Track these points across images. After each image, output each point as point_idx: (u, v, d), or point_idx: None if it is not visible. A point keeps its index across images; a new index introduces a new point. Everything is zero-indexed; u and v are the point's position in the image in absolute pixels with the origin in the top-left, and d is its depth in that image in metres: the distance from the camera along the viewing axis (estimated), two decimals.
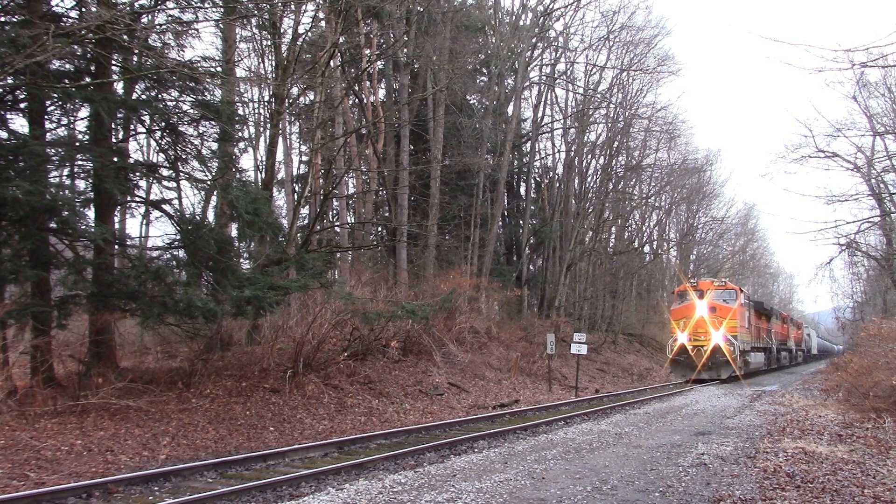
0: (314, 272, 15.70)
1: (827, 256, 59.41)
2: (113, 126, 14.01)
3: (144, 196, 17.93)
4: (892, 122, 26.54)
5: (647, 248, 50.27)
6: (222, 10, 14.39)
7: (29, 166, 11.80)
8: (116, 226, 17.39)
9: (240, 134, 21.66)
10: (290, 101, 21.71)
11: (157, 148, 16.61)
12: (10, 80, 11.92)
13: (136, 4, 13.82)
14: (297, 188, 28.04)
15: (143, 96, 14.35)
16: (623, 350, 38.70)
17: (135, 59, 14.18)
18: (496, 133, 32.66)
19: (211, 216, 21.42)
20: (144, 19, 14.63)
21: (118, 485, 8.06)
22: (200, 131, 14.92)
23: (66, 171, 15.09)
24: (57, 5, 13.75)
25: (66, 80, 12.91)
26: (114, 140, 14.51)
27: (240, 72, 24.64)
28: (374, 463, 9.58)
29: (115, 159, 13.49)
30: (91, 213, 13.78)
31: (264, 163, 22.20)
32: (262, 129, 26.58)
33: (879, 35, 19.64)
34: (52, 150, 12.96)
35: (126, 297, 13.44)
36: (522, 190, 39.17)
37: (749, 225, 66.44)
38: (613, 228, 45.05)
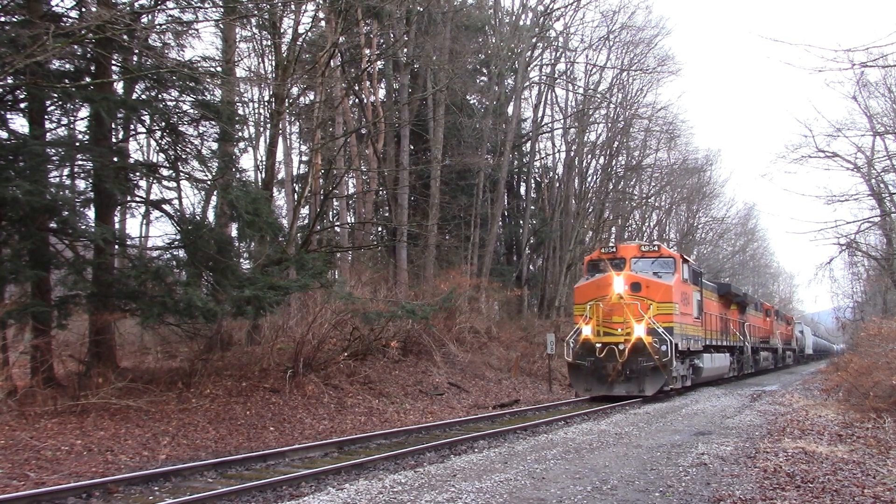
0: (314, 272, 15.71)
1: (827, 256, 59.39)
2: (113, 126, 14.02)
3: (144, 196, 17.95)
4: (892, 122, 26.55)
5: None
6: (222, 10, 14.41)
7: (29, 166, 11.81)
8: (116, 226, 17.39)
9: (240, 134, 21.66)
10: (290, 101, 21.72)
11: (157, 148, 16.63)
12: (10, 80, 11.92)
13: (136, 4, 13.83)
14: (297, 188, 28.05)
15: (143, 96, 14.36)
16: None
17: (135, 59, 14.19)
18: (496, 133, 32.66)
19: (211, 216, 21.45)
20: (144, 19, 14.64)
21: (118, 485, 8.05)
22: (200, 131, 14.94)
23: (66, 171, 15.10)
24: (57, 5, 13.78)
25: (66, 80, 12.92)
26: (114, 140, 14.53)
27: (240, 72, 24.68)
28: (374, 463, 9.58)
29: (115, 159, 13.51)
30: (91, 213, 13.82)
31: (264, 163, 22.23)
32: (262, 129, 26.61)
33: (879, 35, 19.63)
34: (52, 150, 12.97)
35: (126, 297, 13.45)
36: (522, 190, 39.18)
37: (749, 225, 66.53)
38: (613, 228, 45.05)
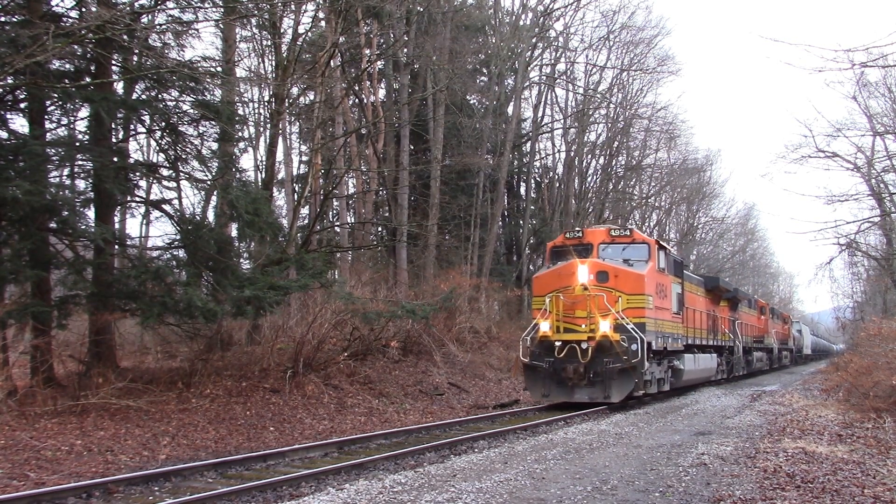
0: (314, 272, 15.71)
1: (827, 256, 59.36)
2: (113, 126, 14.02)
3: (144, 196, 17.96)
4: (892, 122, 26.57)
5: None
6: (222, 10, 14.41)
7: (29, 166, 11.82)
8: (116, 226, 17.40)
9: (240, 134, 21.66)
10: (290, 101, 21.73)
11: (157, 148, 16.64)
12: (10, 80, 11.92)
13: (136, 4, 13.83)
14: (297, 188, 28.04)
15: (143, 96, 14.36)
16: None
17: (135, 59, 14.19)
18: (496, 133, 32.68)
19: (211, 216, 21.45)
20: (144, 19, 14.64)
21: (118, 485, 8.06)
22: (200, 131, 14.95)
23: (66, 171, 15.12)
24: (57, 5, 13.78)
25: (66, 80, 12.92)
26: (114, 140, 14.53)
27: (240, 72, 24.67)
28: (374, 463, 9.58)
29: (115, 159, 13.51)
30: (91, 213, 13.82)
31: (264, 163, 22.23)
32: (262, 129, 26.61)
33: (879, 35, 19.68)
34: (52, 150, 12.98)
35: (126, 297, 13.45)
36: (522, 190, 39.21)
37: (749, 225, 66.59)
38: None
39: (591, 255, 16.35)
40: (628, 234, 17.07)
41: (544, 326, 15.72)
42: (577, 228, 18.22)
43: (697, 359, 19.74)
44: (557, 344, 15.46)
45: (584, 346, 15.23)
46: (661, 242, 17.72)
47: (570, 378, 15.33)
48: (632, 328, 15.13)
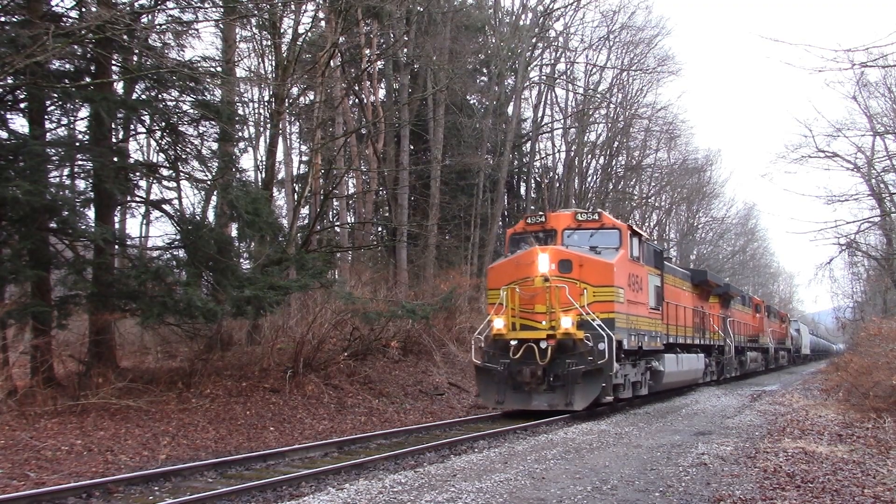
0: (314, 272, 15.71)
1: (827, 256, 59.28)
2: (113, 126, 14.02)
3: (144, 196, 17.95)
4: (892, 122, 26.60)
5: None
6: (222, 10, 14.42)
7: (29, 166, 11.82)
8: (116, 226, 17.39)
9: (240, 134, 21.67)
10: (290, 101, 21.73)
11: (157, 148, 16.65)
12: (10, 80, 11.92)
13: (136, 4, 13.84)
14: (297, 188, 28.03)
15: (143, 96, 14.37)
16: None
17: (135, 59, 14.19)
18: (496, 133, 32.66)
19: (211, 216, 21.43)
20: (144, 19, 14.65)
21: (118, 485, 8.06)
22: (200, 131, 14.95)
23: (66, 171, 15.12)
24: (57, 5, 13.79)
25: (66, 80, 12.93)
26: (114, 140, 14.53)
27: (240, 72, 24.65)
28: (374, 463, 9.58)
29: (115, 159, 13.52)
30: (91, 213, 13.82)
31: (264, 163, 22.23)
32: (262, 129, 26.60)
33: (879, 35, 19.69)
34: (52, 150, 12.98)
35: (126, 297, 13.45)
36: (522, 190, 39.22)
37: (749, 225, 66.69)
38: None
39: (554, 241, 14.63)
40: (596, 218, 15.05)
41: (498, 323, 13.96)
42: (540, 213, 16.39)
43: (681, 359, 18.09)
44: (513, 343, 13.71)
45: (543, 345, 13.46)
46: (634, 228, 15.78)
47: (527, 382, 13.57)
48: (598, 325, 13.37)
